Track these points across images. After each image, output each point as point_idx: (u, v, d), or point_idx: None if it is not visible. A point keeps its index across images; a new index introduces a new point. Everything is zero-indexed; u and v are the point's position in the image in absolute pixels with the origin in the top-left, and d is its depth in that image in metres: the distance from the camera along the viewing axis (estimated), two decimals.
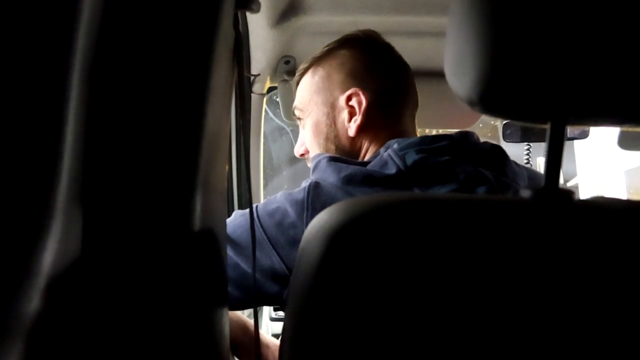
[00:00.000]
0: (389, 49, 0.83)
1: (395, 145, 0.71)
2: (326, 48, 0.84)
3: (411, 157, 0.68)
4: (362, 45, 0.82)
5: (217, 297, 0.48)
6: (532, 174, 0.79)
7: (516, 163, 0.78)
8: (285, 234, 0.68)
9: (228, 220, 0.73)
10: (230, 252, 0.70)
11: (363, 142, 0.81)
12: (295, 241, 0.67)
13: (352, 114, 0.80)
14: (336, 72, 0.81)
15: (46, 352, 0.33)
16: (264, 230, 0.69)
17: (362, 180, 0.67)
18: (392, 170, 0.68)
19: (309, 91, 0.84)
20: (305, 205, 0.67)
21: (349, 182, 0.68)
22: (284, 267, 0.68)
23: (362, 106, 0.78)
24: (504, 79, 0.37)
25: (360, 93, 0.79)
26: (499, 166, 0.73)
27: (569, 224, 0.38)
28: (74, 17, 0.32)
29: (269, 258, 0.68)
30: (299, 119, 0.88)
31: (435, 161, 0.68)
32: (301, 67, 0.87)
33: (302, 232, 0.65)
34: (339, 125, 0.81)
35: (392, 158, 0.69)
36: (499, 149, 0.76)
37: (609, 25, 0.35)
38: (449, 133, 0.75)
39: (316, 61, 0.84)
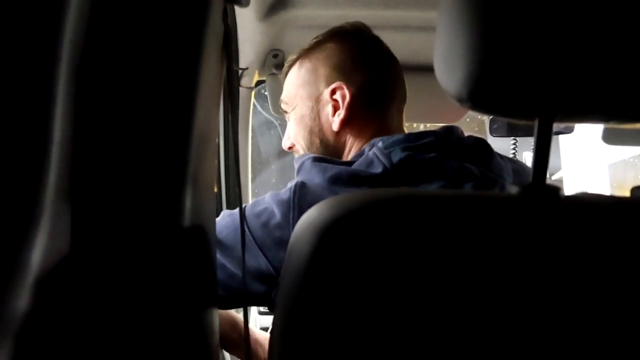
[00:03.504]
0: (377, 42, 0.83)
1: (380, 144, 0.71)
2: (315, 40, 0.84)
3: (397, 155, 0.68)
4: (350, 38, 0.82)
5: (207, 293, 0.48)
6: (516, 166, 0.79)
7: (501, 156, 0.78)
8: (271, 235, 0.67)
9: (219, 217, 0.73)
10: (217, 254, 0.69)
11: (347, 137, 0.81)
12: (281, 242, 0.67)
13: (336, 108, 0.79)
14: (322, 66, 0.81)
15: (35, 350, 0.33)
16: (250, 231, 0.68)
17: (348, 180, 0.67)
18: (378, 169, 0.68)
19: (294, 84, 0.84)
20: (292, 205, 0.67)
21: (335, 182, 0.67)
22: (270, 268, 0.67)
23: (345, 100, 0.78)
24: (493, 76, 0.37)
25: (344, 87, 0.78)
26: (485, 161, 0.74)
27: (556, 221, 0.39)
28: (61, 10, 0.32)
29: (255, 259, 0.67)
30: (285, 112, 0.88)
31: (421, 158, 0.68)
32: (290, 58, 0.86)
33: (289, 232, 0.66)
34: (323, 119, 0.81)
35: (377, 157, 0.69)
36: (483, 143, 0.76)
37: (596, 24, 0.35)
38: (434, 129, 0.75)
39: (304, 53, 0.84)
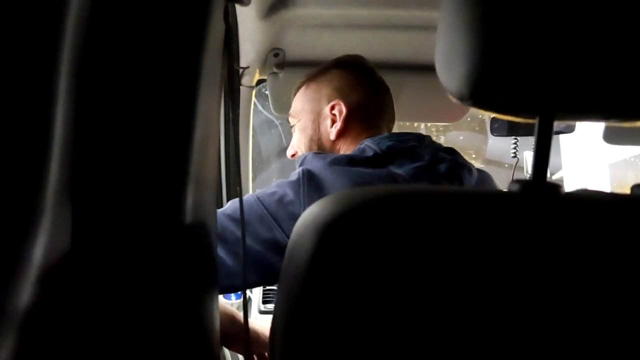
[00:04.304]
0: (371, 71, 1.00)
1: (370, 140, 0.88)
2: (320, 67, 1.02)
3: (385, 144, 0.86)
4: (350, 66, 1.00)
5: (207, 289, 0.48)
6: (480, 170, 0.96)
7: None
8: (285, 209, 0.78)
9: (229, 202, 0.83)
10: (234, 229, 0.78)
11: (342, 145, 0.97)
12: (294, 216, 0.76)
13: (333, 121, 0.96)
14: (325, 87, 0.99)
15: (37, 346, 0.33)
16: (265, 207, 0.78)
17: (345, 162, 0.82)
18: (369, 153, 0.84)
19: (301, 101, 1.02)
20: (301, 182, 0.79)
21: (335, 163, 0.82)
22: (286, 238, 0.76)
23: (342, 115, 0.95)
24: (494, 74, 0.37)
25: (342, 104, 0.95)
26: (453, 154, 0.91)
27: (556, 217, 0.39)
28: (62, 9, 0.32)
29: (270, 231, 0.77)
30: (292, 125, 1.04)
31: (405, 146, 0.87)
32: (299, 81, 1.04)
33: (300, 208, 0.77)
34: (322, 130, 0.98)
35: (369, 146, 0.86)
36: (452, 148, 0.93)
37: (596, 22, 0.35)
38: (413, 132, 0.94)
39: (311, 77, 1.02)
